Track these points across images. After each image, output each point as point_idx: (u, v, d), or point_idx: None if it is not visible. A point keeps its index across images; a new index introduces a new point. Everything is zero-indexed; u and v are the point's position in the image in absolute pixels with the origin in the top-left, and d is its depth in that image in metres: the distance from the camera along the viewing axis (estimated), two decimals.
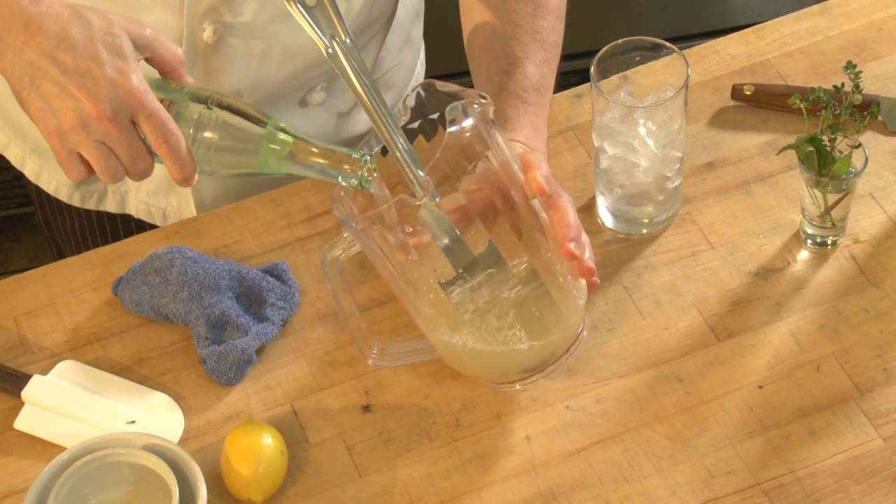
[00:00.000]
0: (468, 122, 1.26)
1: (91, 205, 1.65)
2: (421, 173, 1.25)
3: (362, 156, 1.26)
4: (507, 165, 1.28)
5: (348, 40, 1.26)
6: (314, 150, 1.26)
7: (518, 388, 1.37)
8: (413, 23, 1.69)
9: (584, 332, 1.35)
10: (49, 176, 1.65)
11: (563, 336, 1.33)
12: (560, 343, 1.33)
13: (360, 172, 1.26)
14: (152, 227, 1.64)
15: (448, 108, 1.27)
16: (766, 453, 1.35)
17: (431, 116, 1.31)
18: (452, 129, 1.25)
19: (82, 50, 1.22)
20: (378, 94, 1.26)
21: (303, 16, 1.24)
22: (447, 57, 1.97)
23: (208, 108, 1.25)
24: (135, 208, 1.64)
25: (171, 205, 1.63)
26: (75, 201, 1.65)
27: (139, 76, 1.23)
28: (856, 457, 1.34)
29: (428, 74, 1.79)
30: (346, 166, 1.26)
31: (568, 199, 1.32)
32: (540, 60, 1.43)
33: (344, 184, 1.27)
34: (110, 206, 1.65)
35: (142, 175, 1.26)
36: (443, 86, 1.32)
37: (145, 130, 1.23)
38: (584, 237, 1.31)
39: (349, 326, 1.37)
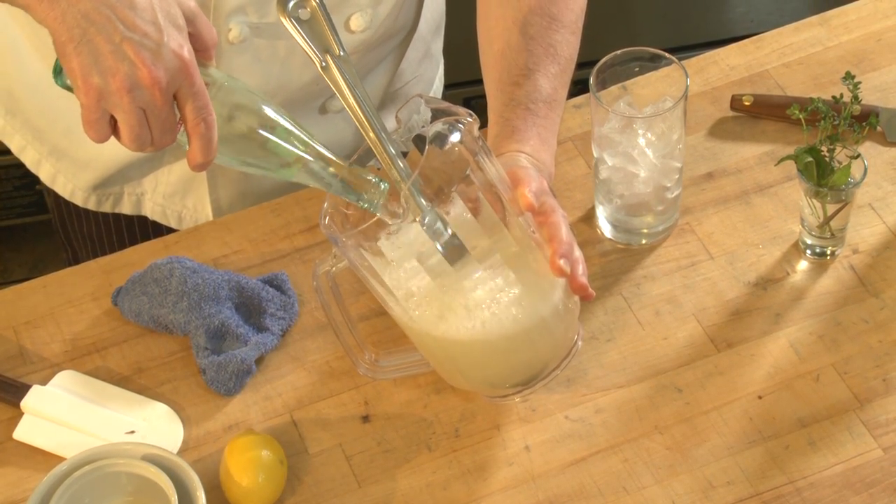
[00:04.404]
0: (453, 139, 1.26)
1: (107, 208, 1.65)
2: (423, 201, 1.25)
3: (378, 182, 1.26)
4: (491, 183, 1.28)
5: (342, 54, 1.25)
6: (331, 163, 1.25)
7: (517, 399, 1.37)
8: (434, 37, 1.70)
9: (579, 343, 1.35)
10: (65, 180, 1.65)
11: (554, 349, 1.33)
12: (551, 356, 1.33)
13: (374, 199, 1.26)
14: (170, 230, 1.64)
15: (432, 125, 1.27)
16: (765, 463, 1.35)
17: (422, 132, 1.31)
18: (435, 145, 1.25)
19: (142, 12, 1.18)
20: (372, 109, 1.26)
21: (297, 29, 1.24)
22: (467, 71, 1.97)
23: (237, 97, 1.24)
24: (150, 210, 1.64)
25: (186, 207, 1.63)
26: (91, 205, 1.65)
27: (191, 50, 1.20)
28: (855, 467, 1.34)
29: (446, 87, 1.79)
30: (360, 187, 1.26)
31: (561, 213, 1.31)
32: (552, 74, 1.43)
33: (353, 202, 1.27)
34: (126, 208, 1.65)
35: (160, 148, 1.23)
36: (431, 101, 1.31)
37: (187, 107, 1.20)
38: (578, 252, 1.31)
39: (341, 338, 1.37)
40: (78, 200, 1.65)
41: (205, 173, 1.59)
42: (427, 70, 1.71)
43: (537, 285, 1.29)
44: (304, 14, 1.24)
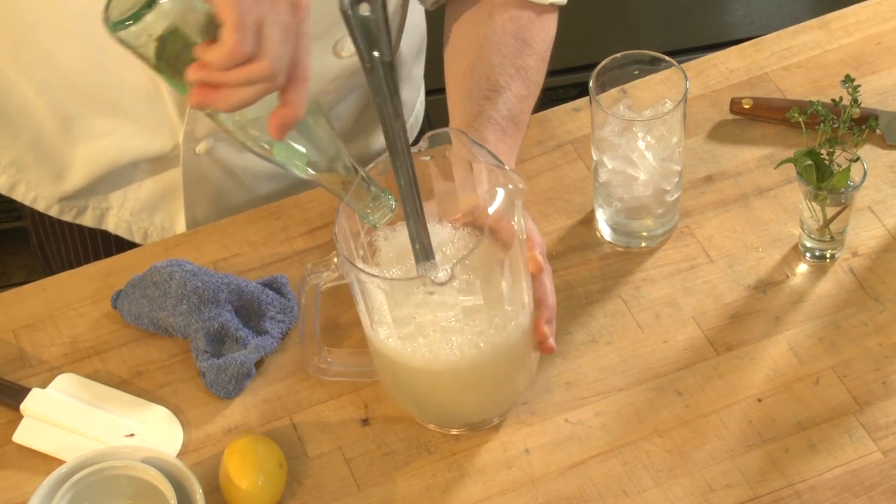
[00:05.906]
0: (499, 200, 1.24)
1: (68, 217, 1.64)
2: (447, 269, 1.24)
3: (389, 198, 1.24)
4: (519, 245, 1.28)
5: (389, 60, 1.18)
6: (349, 170, 1.22)
7: (454, 432, 1.38)
8: (415, 61, 1.69)
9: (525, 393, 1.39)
10: (26, 188, 1.63)
11: (512, 395, 1.36)
12: (505, 405, 1.37)
13: (384, 215, 1.25)
14: (132, 245, 1.63)
15: (487, 188, 1.26)
16: (765, 466, 1.35)
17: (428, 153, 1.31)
18: (492, 209, 1.24)
19: None
20: (404, 125, 1.20)
21: (350, 24, 1.16)
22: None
23: None
24: (114, 225, 1.63)
25: (154, 224, 1.62)
26: (53, 212, 1.64)
27: None
28: (855, 470, 1.34)
29: (433, 92, 1.79)
30: (371, 201, 1.24)
31: (548, 271, 1.36)
32: (521, 95, 1.45)
33: (361, 217, 1.25)
34: (88, 220, 1.64)
35: (277, 88, 1.14)
36: (481, 153, 1.28)
37: (301, 48, 1.14)
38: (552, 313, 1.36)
39: (302, 339, 1.36)
40: (40, 207, 1.63)
41: (182, 189, 1.58)
42: (408, 95, 1.71)
43: (514, 336, 1.31)
44: (363, 9, 1.19)
